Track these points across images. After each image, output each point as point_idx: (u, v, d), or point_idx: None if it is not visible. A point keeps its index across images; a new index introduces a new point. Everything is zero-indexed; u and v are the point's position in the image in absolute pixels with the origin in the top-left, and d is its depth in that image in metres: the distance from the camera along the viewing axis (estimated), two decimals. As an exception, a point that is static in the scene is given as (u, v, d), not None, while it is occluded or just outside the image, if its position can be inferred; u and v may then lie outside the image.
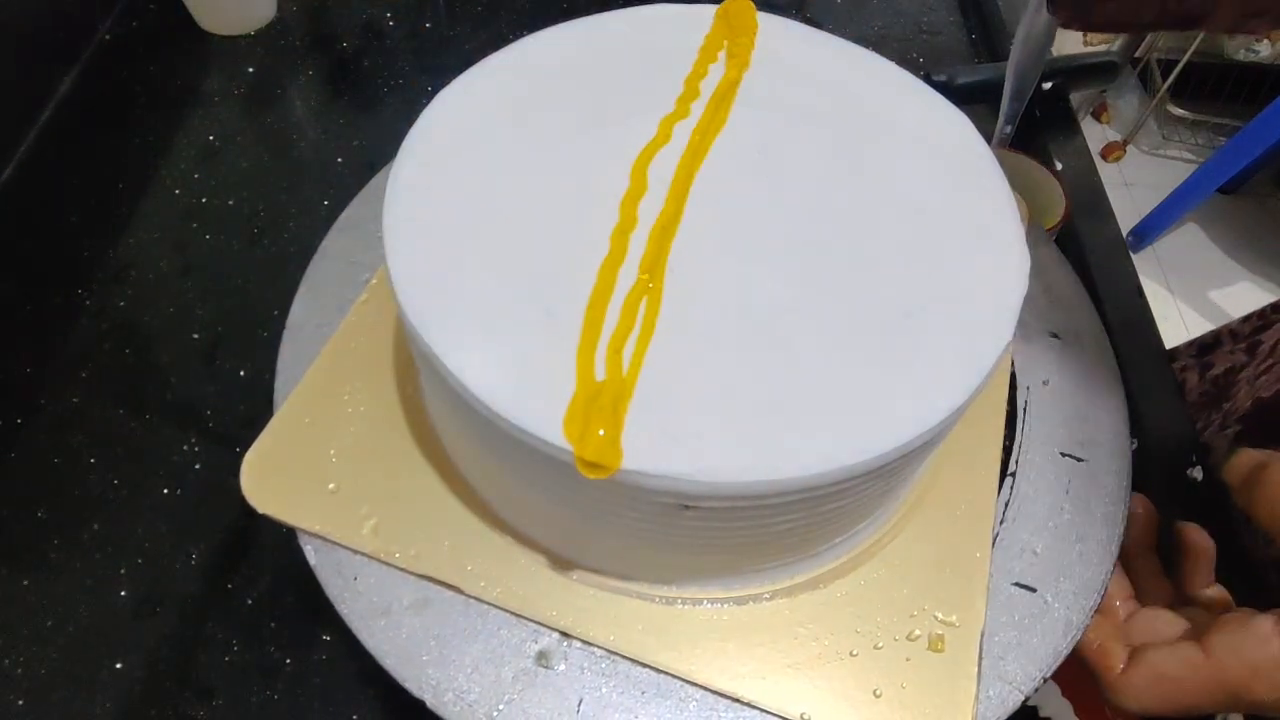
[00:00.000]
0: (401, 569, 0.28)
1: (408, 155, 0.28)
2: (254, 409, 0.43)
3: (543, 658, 0.27)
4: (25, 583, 0.38)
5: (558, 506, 0.26)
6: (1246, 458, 0.29)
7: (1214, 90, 1.59)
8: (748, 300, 0.25)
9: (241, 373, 0.45)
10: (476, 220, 0.27)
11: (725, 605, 0.28)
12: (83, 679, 0.36)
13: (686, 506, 0.23)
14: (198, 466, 0.42)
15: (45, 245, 0.51)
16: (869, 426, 0.23)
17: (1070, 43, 1.43)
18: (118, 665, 0.36)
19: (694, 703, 0.26)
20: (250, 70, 0.60)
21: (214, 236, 0.51)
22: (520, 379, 0.23)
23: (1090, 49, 1.61)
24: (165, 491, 0.41)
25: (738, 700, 0.26)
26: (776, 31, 0.33)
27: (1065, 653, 0.28)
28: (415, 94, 0.60)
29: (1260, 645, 0.26)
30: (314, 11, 0.65)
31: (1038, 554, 0.30)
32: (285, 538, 0.29)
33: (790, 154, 0.29)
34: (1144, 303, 0.50)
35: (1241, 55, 1.44)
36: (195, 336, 0.46)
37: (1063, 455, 0.32)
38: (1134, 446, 0.34)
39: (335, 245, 0.37)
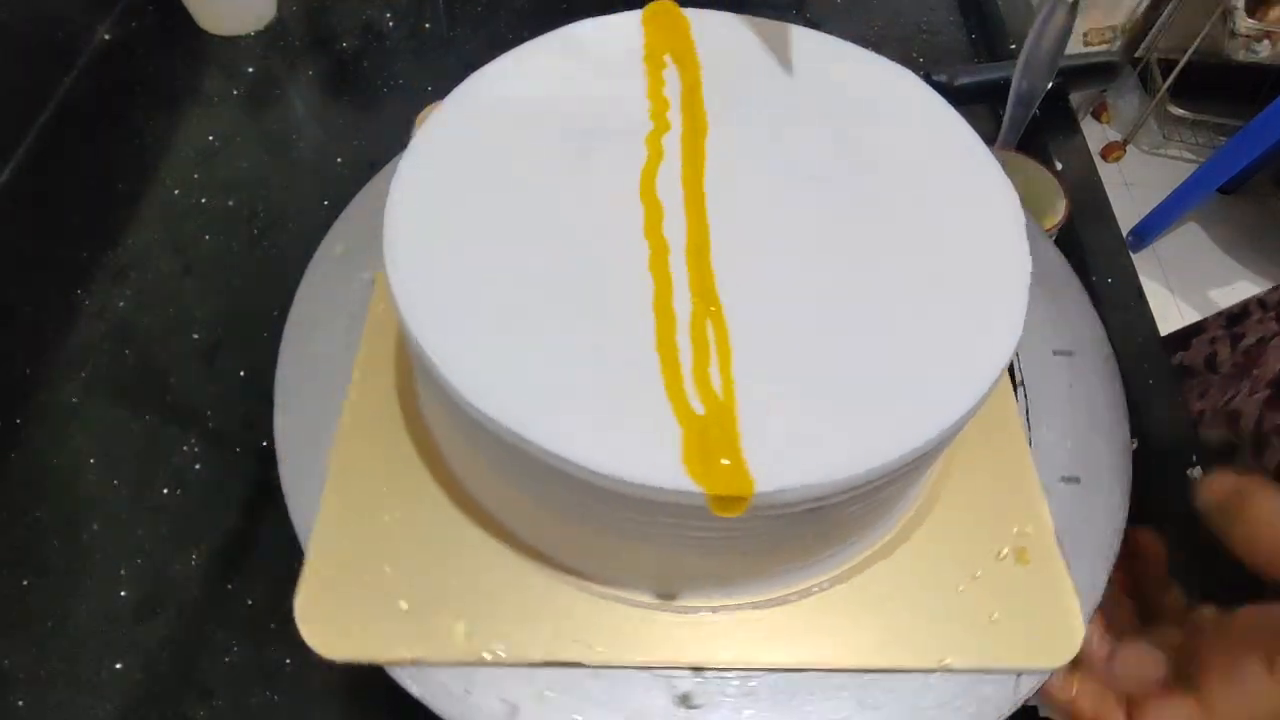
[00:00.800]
0: (511, 665, 0.26)
1: (398, 213, 0.26)
2: (254, 409, 0.43)
3: (686, 700, 0.26)
4: (25, 583, 0.38)
5: (668, 548, 0.25)
6: (1223, 482, 0.28)
7: (1214, 90, 1.58)
8: (795, 302, 0.25)
9: (241, 373, 0.45)
10: (503, 280, 0.25)
11: (834, 586, 0.28)
12: (83, 679, 0.36)
13: (813, 510, 0.23)
14: (198, 466, 0.42)
15: (45, 245, 0.50)
16: (943, 397, 0.24)
17: (1070, 43, 1.43)
18: (118, 666, 0.36)
19: (846, 692, 0.27)
20: (250, 70, 0.60)
21: (214, 236, 0.51)
22: (618, 434, 0.22)
23: (1090, 49, 1.61)
24: (165, 491, 0.41)
25: (882, 671, 0.27)
26: (714, 25, 0.32)
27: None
28: (415, 94, 0.60)
29: (1257, 699, 0.25)
30: (314, 11, 0.65)
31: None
32: (286, 538, 0.29)
33: (785, 155, 0.29)
34: (1144, 303, 0.50)
35: (1241, 55, 1.44)
36: (195, 336, 0.46)
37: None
38: (1134, 446, 0.34)
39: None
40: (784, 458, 0.22)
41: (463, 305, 0.24)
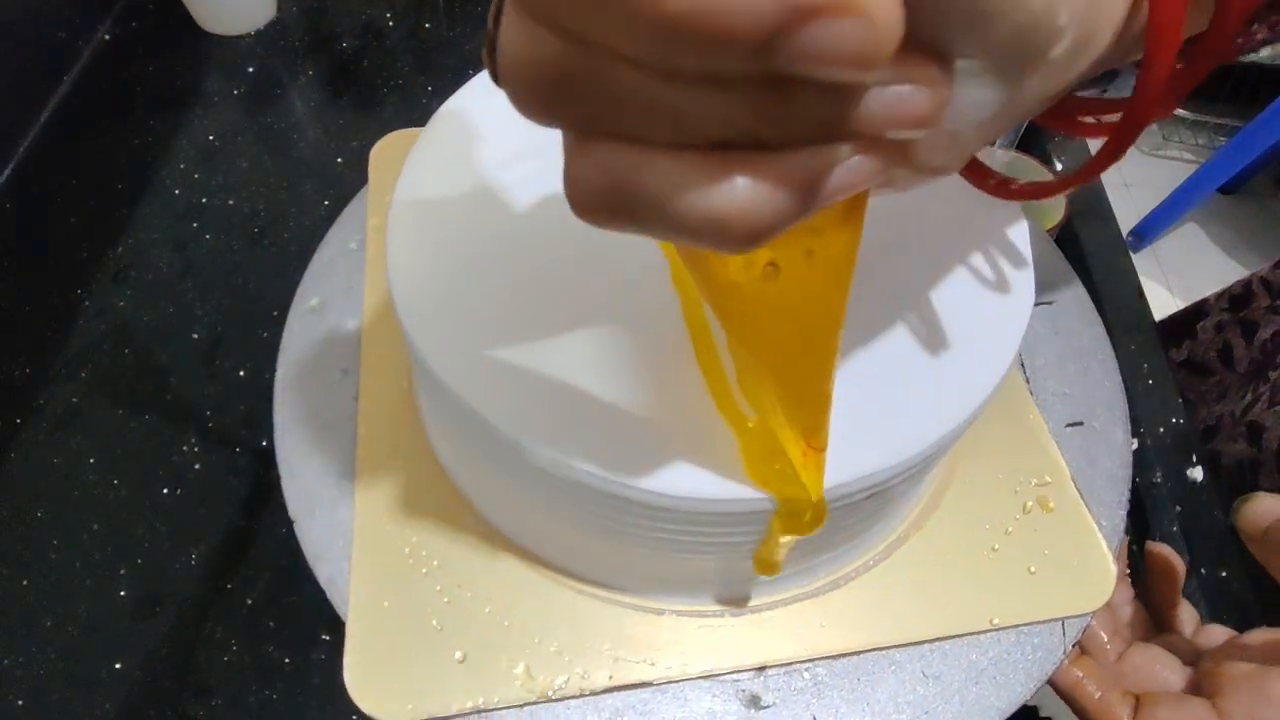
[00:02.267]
0: (577, 697, 0.26)
1: (402, 260, 0.26)
2: (254, 409, 0.43)
3: (755, 701, 0.26)
4: (25, 583, 0.38)
5: (723, 556, 0.25)
6: (1264, 509, 0.28)
7: (1214, 90, 1.58)
8: None
9: (241, 373, 0.45)
10: (526, 315, 0.24)
11: (878, 564, 0.29)
12: (83, 679, 0.36)
13: (870, 497, 0.23)
14: (198, 466, 0.42)
15: (45, 245, 0.51)
16: (974, 372, 0.24)
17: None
18: (117, 665, 0.36)
19: (906, 668, 0.27)
20: (250, 70, 0.60)
21: (214, 236, 0.51)
22: (679, 455, 0.22)
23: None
24: (165, 491, 0.41)
25: (936, 640, 0.27)
26: None
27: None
28: (415, 94, 0.60)
29: (1277, 711, 0.25)
30: (314, 11, 0.65)
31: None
32: (285, 538, 0.29)
33: None
34: (1144, 303, 0.50)
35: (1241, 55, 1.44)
36: (195, 336, 0.46)
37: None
38: (1134, 447, 0.34)
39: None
40: (840, 451, 0.22)
41: (491, 349, 0.23)
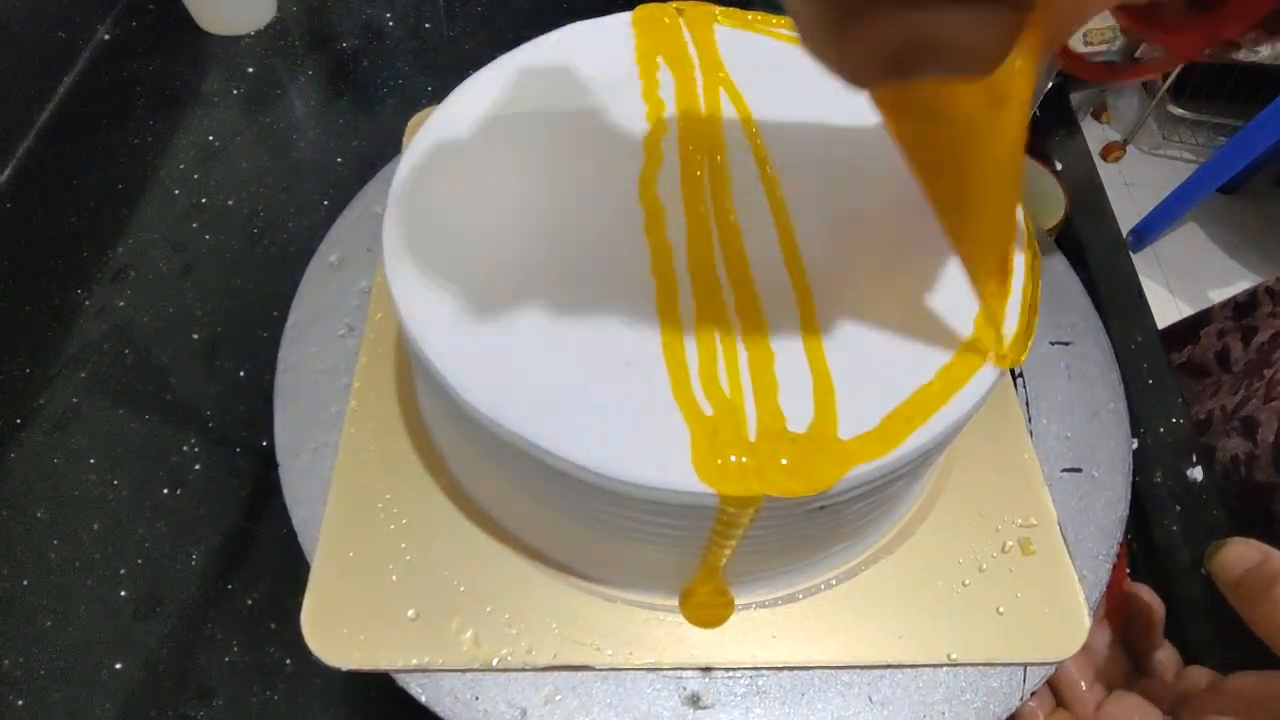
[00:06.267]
0: (519, 670, 0.26)
1: (396, 223, 0.26)
2: (254, 409, 0.43)
3: (695, 700, 0.26)
4: (25, 583, 0.38)
5: (675, 551, 0.25)
6: (1243, 555, 0.26)
7: (1214, 90, 1.59)
8: (796, 300, 0.25)
9: (241, 373, 0.45)
10: (505, 286, 0.25)
11: (840, 584, 0.28)
12: (83, 679, 0.36)
13: (822, 508, 0.23)
14: (198, 466, 0.42)
15: (45, 245, 0.51)
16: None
17: (1070, 43, 1.43)
18: (117, 665, 0.36)
19: (854, 689, 0.27)
20: (250, 70, 0.60)
21: (214, 236, 0.51)
22: (627, 437, 0.22)
23: (1090, 49, 1.61)
24: (165, 491, 0.41)
25: (890, 667, 0.27)
26: (701, 26, 0.32)
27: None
28: (415, 94, 0.60)
29: None
30: (314, 11, 0.65)
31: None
32: (285, 538, 0.29)
33: (784, 155, 0.29)
34: (1144, 303, 0.50)
35: (1242, 55, 1.44)
36: (195, 336, 0.46)
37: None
38: (1134, 446, 0.34)
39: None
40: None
41: (465, 313, 0.24)
